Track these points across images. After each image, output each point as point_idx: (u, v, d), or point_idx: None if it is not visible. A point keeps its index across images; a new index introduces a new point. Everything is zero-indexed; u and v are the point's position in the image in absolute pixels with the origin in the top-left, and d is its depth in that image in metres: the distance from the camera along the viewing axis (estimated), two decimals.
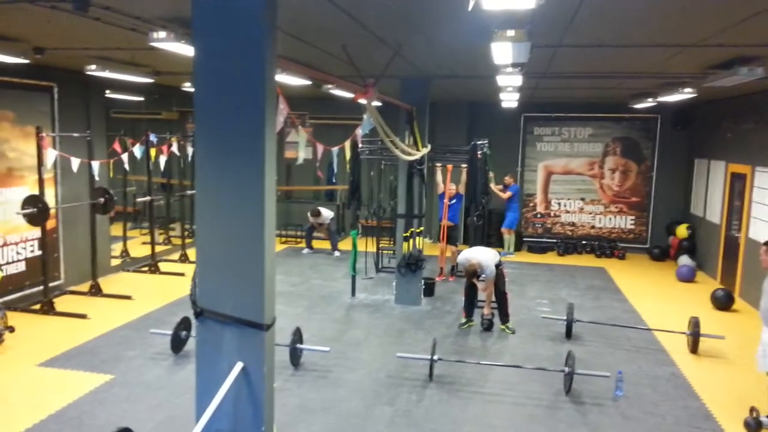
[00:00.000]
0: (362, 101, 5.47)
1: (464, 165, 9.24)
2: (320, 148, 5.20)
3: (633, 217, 12.81)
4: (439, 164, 9.90)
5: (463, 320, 7.49)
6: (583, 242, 12.73)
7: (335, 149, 5.84)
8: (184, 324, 6.37)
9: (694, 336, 6.70)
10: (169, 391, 5.42)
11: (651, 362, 6.48)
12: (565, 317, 7.21)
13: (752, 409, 4.97)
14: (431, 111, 8.82)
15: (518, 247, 12.33)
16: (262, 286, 3.10)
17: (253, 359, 3.11)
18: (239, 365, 3.08)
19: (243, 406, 3.12)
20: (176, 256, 10.74)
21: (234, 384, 3.04)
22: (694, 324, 6.74)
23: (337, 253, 11.51)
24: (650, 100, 10.00)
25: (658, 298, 9.21)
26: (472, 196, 8.76)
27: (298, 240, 12.62)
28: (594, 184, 12.88)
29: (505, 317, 7.38)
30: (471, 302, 7.47)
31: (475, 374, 5.98)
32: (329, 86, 8.13)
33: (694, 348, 6.72)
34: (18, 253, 7.81)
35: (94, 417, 4.88)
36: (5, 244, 7.60)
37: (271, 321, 3.20)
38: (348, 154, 6.24)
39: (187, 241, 11.07)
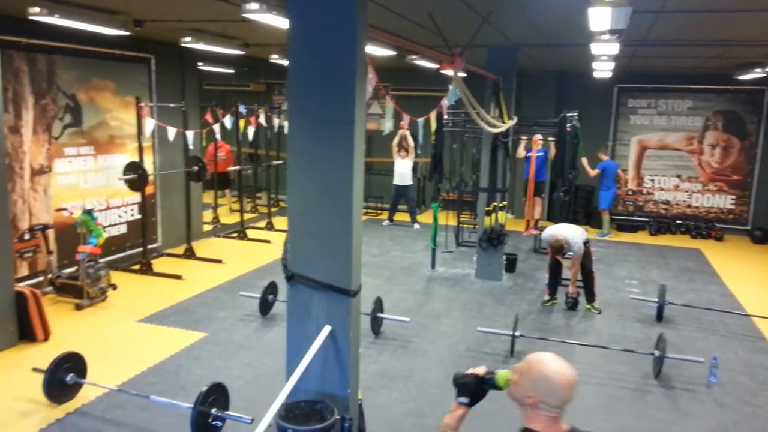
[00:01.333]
0: (448, 72, 5.38)
1: (551, 138, 8.96)
2: (406, 118, 5.17)
3: (733, 197, 11.98)
4: (524, 137, 9.70)
5: (547, 298, 7.33)
6: (678, 222, 12.06)
7: (421, 120, 5.79)
8: (271, 288, 6.62)
9: None
10: (258, 350, 5.68)
11: (749, 350, 6.10)
12: (656, 299, 6.90)
13: None
14: (518, 82, 8.56)
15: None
16: (349, 254, 3.15)
17: (341, 323, 3.18)
18: (327, 328, 3.16)
19: (330, 368, 3.21)
20: (263, 223, 11.12)
21: (322, 346, 3.13)
22: None
23: (416, 226, 11.52)
24: (758, 70, 9.23)
25: (759, 282, 8.63)
26: (560, 171, 8.47)
27: (378, 212, 12.74)
28: (692, 161, 12.13)
29: (591, 296, 7.15)
30: (555, 280, 7.29)
31: (558, 353, 5.77)
32: (413, 57, 8.05)
33: None
34: (120, 216, 8.35)
35: (189, 372, 5.19)
36: (108, 208, 8.13)
37: (358, 288, 3.26)
38: (433, 126, 6.17)
39: (273, 209, 11.44)
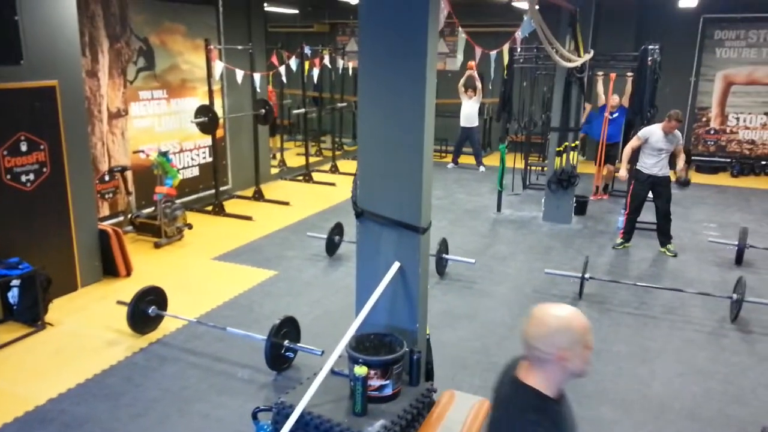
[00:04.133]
0: (522, 2, 5.12)
1: (630, 74, 8.45)
2: (478, 51, 4.99)
3: None
4: (600, 73, 9.16)
5: (620, 240, 7.10)
6: (763, 162, 11.32)
7: (494, 53, 5.58)
8: (338, 229, 6.72)
9: None
10: (326, 288, 5.83)
11: None
12: (736, 242, 6.57)
13: None
14: (596, 13, 8.05)
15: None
16: (420, 191, 3.13)
17: (410, 259, 3.19)
18: (396, 264, 3.18)
19: (399, 304, 3.25)
20: (327, 167, 11.22)
21: (391, 282, 3.16)
22: None
23: (482, 168, 11.34)
24: None
25: None
26: (638, 108, 8.02)
27: (443, 155, 12.58)
28: None
29: (666, 238, 6.88)
30: (633, 221, 7.02)
31: (629, 296, 5.72)
32: None
33: None
34: (192, 159, 8.61)
35: (262, 306, 5.40)
36: (182, 150, 8.39)
37: (427, 225, 3.25)
38: (506, 59, 5.92)
39: (337, 153, 11.49)
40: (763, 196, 9.72)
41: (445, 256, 6.21)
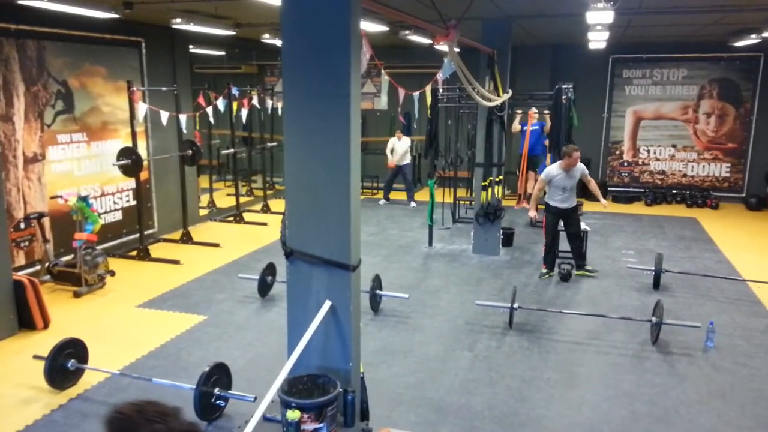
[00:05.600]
0: (443, 46, 5.33)
1: (547, 111, 8.93)
2: (402, 92, 5.13)
3: (729, 165, 12.00)
4: (519, 111, 9.68)
5: (544, 270, 7.37)
6: (674, 191, 12.10)
7: (416, 93, 5.75)
8: (270, 269, 6.63)
9: None
10: (258, 330, 5.70)
11: (745, 314, 6.16)
12: (652, 267, 6.95)
13: None
14: (513, 55, 8.50)
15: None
16: (348, 229, 3.15)
17: (341, 298, 3.19)
18: (327, 303, 3.17)
19: (331, 343, 3.23)
20: (259, 206, 11.10)
21: (323, 321, 3.14)
22: None
23: (413, 204, 11.54)
24: (753, 36, 9.17)
25: (755, 249, 8.68)
26: (556, 143, 8.45)
27: (374, 191, 12.73)
28: (687, 130, 12.12)
29: (582, 260, 7.28)
30: (553, 255, 7.33)
31: (556, 323, 5.91)
32: (407, 32, 7.98)
33: None
34: (115, 202, 8.32)
35: (190, 353, 5.21)
36: (103, 194, 8.10)
37: (357, 262, 3.26)
38: (428, 100, 6.12)
39: (269, 192, 11.41)
40: (676, 222, 10.36)
41: (378, 292, 6.24)
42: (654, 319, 5.46)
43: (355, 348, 3.32)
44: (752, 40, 9.47)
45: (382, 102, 12.87)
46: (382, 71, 4.54)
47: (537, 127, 10.14)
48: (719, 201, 11.64)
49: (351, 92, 3.00)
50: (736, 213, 11.22)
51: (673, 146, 12.26)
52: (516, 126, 10.28)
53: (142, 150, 8.05)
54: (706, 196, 11.73)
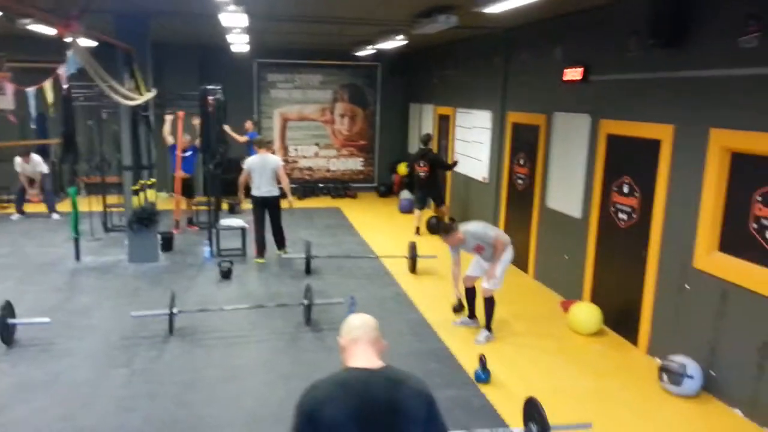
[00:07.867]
0: (68, 38, 4.82)
1: (197, 116, 8.85)
2: (9, 88, 4.46)
3: (362, 159, 13.81)
4: (169, 113, 9.29)
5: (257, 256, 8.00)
6: (320, 185, 13.38)
7: (31, 90, 5.06)
8: None
9: (413, 258, 7.64)
10: None
11: (378, 285, 7.21)
12: (303, 255, 7.57)
13: (455, 308, 5.99)
14: (159, 54, 8.21)
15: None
16: None
17: None
18: None
19: None
20: None
21: None
22: (412, 248, 7.67)
23: (56, 216, 10.23)
24: (370, 47, 10.70)
25: (384, 229, 10.21)
26: (206, 145, 8.48)
27: (5, 205, 10.89)
28: (326, 130, 13.51)
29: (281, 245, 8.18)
30: (261, 240, 8.00)
31: (218, 321, 5.97)
32: (26, 21, 6.96)
33: (412, 268, 7.66)
34: None
35: None
36: None
37: None
38: (50, 97, 5.46)
39: None
40: (323, 213, 11.48)
41: (11, 320, 5.37)
42: (305, 301, 5.97)
43: None
44: (370, 50, 11.04)
45: (8, 101, 10.99)
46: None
47: (190, 153, 9.52)
48: (357, 191, 13.34)
49: None
50: (370, 200, 13.01)
51: (317, 144, 13.55)
52: (167, 134, 9.46)
53: None
54: (346, 188, 13.31)
